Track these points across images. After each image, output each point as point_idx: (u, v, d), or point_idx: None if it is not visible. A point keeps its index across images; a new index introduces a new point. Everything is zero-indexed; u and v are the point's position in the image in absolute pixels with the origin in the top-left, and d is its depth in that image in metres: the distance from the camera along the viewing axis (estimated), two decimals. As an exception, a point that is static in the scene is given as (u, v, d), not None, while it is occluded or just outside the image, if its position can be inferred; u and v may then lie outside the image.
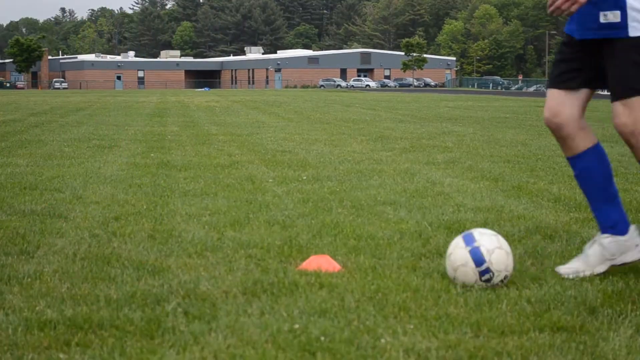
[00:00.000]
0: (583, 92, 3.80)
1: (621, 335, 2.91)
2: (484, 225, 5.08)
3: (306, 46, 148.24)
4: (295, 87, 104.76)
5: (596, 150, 3.85)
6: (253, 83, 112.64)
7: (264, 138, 13.02)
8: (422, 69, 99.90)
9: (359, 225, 5.06)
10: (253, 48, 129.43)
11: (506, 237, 4.71)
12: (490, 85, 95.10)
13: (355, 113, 23.49)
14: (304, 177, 7.62)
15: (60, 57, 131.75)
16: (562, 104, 3.80)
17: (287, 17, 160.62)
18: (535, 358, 2.70)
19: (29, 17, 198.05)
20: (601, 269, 3.77)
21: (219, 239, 4.62)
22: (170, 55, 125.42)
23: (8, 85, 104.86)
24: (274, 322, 3.03)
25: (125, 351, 2.74)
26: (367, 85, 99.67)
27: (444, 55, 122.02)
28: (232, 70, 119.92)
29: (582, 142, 3.84)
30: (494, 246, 3.61)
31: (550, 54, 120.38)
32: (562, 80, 3.80)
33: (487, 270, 3.54)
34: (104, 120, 18.92)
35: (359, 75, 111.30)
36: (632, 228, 3.82)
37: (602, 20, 3.60)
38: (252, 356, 2.69)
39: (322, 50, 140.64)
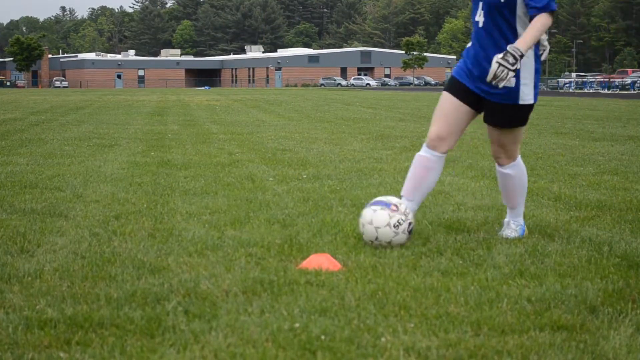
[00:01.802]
0: None
1: (621, 334, 2.91)
2: (485, 224, 5.09)
3: (306, 45, 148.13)
4: (295, 85, 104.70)
5: None
6: (253, 82, 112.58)
7: (265, 137, 13.02)
8: (422, 68, 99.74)
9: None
10: (253, 47, 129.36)
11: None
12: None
13: (356, 112, 23.49)
14: (304, 176, 7.62)
15: (61, 55, 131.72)
16: None
17: (287, 16, 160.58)
18: (535, 357, 2.70)
19: (29, 15, 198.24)
20: None
21: (219, 237, 4.62)
22: (170, 54, 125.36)
23: (8, 84, 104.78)
24: (274, 320, 3.03)
25: (126, 350, 2.74)
26: (368, 84, 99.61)
27: (444, 54, 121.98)
28: (232, 69, 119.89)
29: None
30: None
31: (550, 52, 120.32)
32: None
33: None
34: (104, 119, 18.92)
35: (359, 74, 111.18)
36: None
37: None
38: (252, 355, 2.69)
39: (322, 49, 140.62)
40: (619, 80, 69.07)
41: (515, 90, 4.42)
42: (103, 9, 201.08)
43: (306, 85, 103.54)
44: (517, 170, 4.71)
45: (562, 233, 4.81)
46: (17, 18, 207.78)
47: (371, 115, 20.98)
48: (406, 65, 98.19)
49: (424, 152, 4.68)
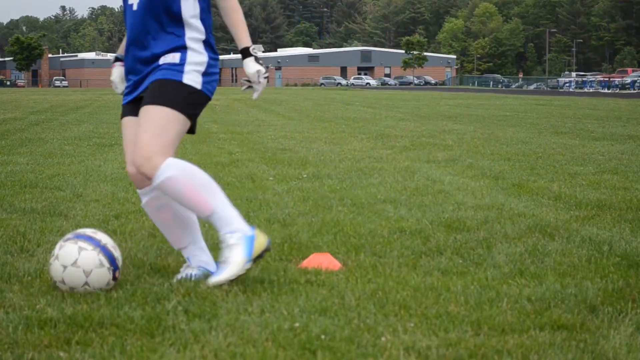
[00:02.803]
0: None
1: (621, 334, 2.91)
2: (485, 223, 5.09)
3: (306, 44, 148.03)
4: (295, 85, 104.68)
5: None
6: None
7: (265, 136, 13.02)
8: (422, 67, 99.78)
9: (360, 224, 5.06)
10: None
11: (506, 235, 4.72)
12: (491, 83, 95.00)
13: (356, 111, 23.48)
14: (304, 175, 7.62)
15: (61, 55, 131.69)
16: None
17: (287, 15, 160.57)
18: (535, 356, 2.70)
19: (29, 15, 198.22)
20: None
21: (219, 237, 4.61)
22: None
23: (8, 83, 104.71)
24: (275, 320, 3.03)
25: (126, 349, 2.73)
26: (368, 83, 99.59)
27: (444, 53, 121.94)
28: (232, 68, 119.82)
29: None
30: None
31: (550, 52, 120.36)
32: None
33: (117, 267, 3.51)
34: (104, 119, 18.91)
35: (359, 74, 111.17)
36: None
37: None
38: (252, 354, 2.69)
39: (322, 48, 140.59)
40: (619, 79, 69.07)
41: (179, 66, 3.68)
42: (103, 8, 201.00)
43: (306, 85, 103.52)
44: (174, 171, 3.54)
45: (562, 232, 4.81)
46: (17, 17, 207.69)
47: (371, 115, 20.98)
48: (406, 64, 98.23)
49: (143, 198, 3.81)
